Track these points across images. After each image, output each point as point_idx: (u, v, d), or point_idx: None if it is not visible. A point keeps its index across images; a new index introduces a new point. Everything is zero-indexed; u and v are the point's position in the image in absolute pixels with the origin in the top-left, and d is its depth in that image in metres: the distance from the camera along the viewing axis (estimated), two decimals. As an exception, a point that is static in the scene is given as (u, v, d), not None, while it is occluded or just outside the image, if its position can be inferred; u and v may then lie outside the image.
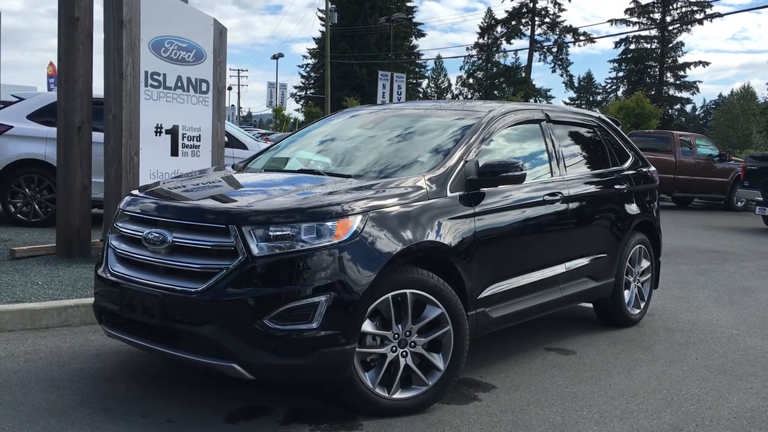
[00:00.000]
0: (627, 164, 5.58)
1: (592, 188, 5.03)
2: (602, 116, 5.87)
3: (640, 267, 5.54)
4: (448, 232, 3.70)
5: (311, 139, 5.00)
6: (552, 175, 4.72)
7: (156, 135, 6.32)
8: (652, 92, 50.68)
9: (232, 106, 66.92)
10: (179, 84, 6.47)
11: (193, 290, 3.23)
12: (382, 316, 3.43)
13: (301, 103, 63.33)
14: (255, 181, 4.30)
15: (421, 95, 63.70)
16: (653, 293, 5.84)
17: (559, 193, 4.62)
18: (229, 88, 59.93)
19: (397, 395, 3.48)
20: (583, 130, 5.41)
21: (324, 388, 3.67)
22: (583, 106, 59.84)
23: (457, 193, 3.86)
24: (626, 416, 3.63)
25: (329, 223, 3.27)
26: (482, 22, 60.50)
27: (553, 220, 4.57)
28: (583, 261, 4.86)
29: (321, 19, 55.74)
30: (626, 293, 5.37)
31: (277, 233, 3.22)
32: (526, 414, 3.60)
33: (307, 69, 64.08)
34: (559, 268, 4.63)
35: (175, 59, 6.42)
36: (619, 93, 58.16)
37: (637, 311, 5.52)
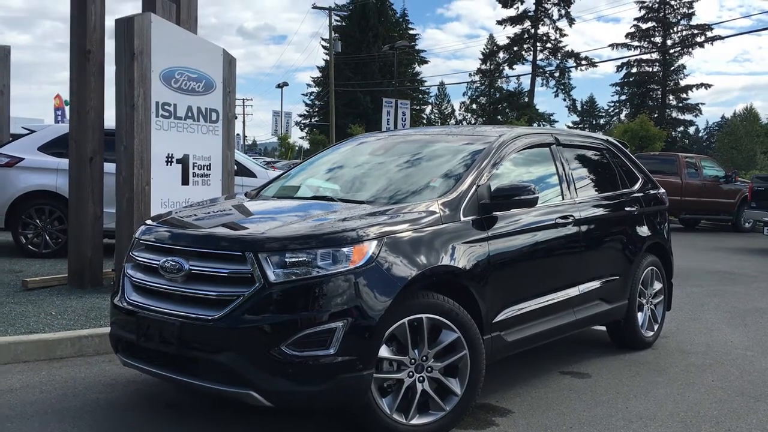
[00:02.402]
0: (636, 186, 5.60)
1: (603, 211, 5.04)
2: (610, 139, 5.90)
3: (652, 289, 5.53)
4: (462, 256, 3.71)
5: (322, 167, 5.04)
6: (563, 198, 4.73)
7: (167, 164, 6.37)
8: (655, 115, 50.86)
9: (238, 134, 67.21)
10: (189, 114, 6.53)
11: (210, 318, 3.24)
12: (398, 342, 3.42)
13: (305, 130, 63.80)
14: (269, 209, 4.32)
15: (424, 121, 64.04)
16: (666, 315, 5.82)
17: (571, 215, 4.64)
18: (235, 117, 60.27)
19: (415, 421, 3.46)
20: (592, 153, 5.44)
21: (342, 415, 3.65)
22: (587, 130, 59.97)
23: (470, 218, 3.88)
24: (645, 439, 3.60)
25: (345, 249, 3.28)
26: (484, 49, 61.05)
27: (565, 243, 4.58)
28: (596, 283, 4.85)
29: (325, 48, 56.24)
30: (639, 315, 5.35)
31: (293, 260, 3.23)
32: (545, 438, 3.58)
33: (312, 97, 64.58)
34: (573, 291, 4.62)
35: (186, 89, 6.49)
36: (622, 116, 58.39)
37: (651, 333, 5.49)
